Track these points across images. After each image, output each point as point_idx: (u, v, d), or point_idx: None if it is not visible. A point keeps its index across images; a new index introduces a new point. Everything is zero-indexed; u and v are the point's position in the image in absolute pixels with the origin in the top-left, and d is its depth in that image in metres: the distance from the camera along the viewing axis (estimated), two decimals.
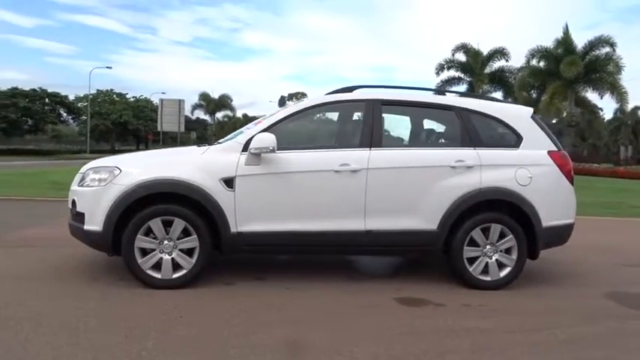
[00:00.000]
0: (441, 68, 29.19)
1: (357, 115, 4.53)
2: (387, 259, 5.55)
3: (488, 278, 4.53)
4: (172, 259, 4.15)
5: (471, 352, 3.15)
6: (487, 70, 28.61)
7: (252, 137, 4.24)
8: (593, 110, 34.31)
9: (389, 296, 4.20)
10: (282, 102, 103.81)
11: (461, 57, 28.80)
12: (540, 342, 3.38)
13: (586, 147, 50.85)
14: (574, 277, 5.19)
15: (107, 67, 64.34)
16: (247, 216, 4.20)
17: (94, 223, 4.09)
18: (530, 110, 4.87)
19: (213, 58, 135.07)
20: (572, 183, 4.79)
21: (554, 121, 35.00)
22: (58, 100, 49.44)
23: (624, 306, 4.25)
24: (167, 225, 4.13)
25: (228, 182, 4.17)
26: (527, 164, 4.58)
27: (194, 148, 4.57)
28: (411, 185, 4.40)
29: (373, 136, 4.43)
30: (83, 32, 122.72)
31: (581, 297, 4.51)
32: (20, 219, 7.53)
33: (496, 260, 4.54)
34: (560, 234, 4.74)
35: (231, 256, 4.78)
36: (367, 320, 3.66)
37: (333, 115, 4.81)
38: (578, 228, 4.90)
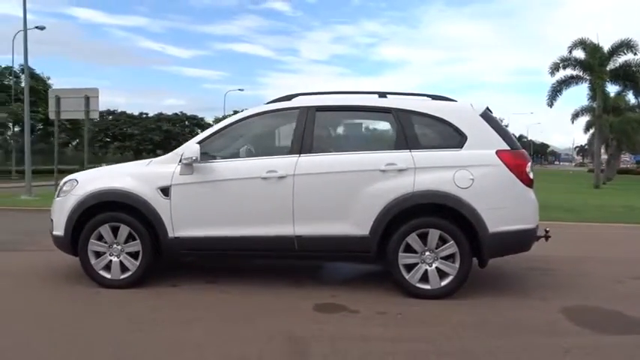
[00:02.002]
0: (555, 67, 26.67)
1: (291, 123, 4.60)
2: (357, 267, 5.45)
3: (427, 287, 4.29)
4: (120, 261, 4.58)
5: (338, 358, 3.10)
6: (611, 65, 25.47)
7: None
8: None
9: (313, 302, 4.18)
10: None
11: (579, 54, 26.11)
12: (418, 351, 3.19)
13: None
14: (543, 289, 4.67)
15: (239, 90, 69.55)
16: (182, 222, 4.49)
17: (59, 229, 4.68)
18: (481, 108, 4.53)
19: (349, 74, 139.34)
20: (529, 184, 4.36)
21: None
22: (195, 122, 55.04)
23: (571, 322, 3.76)
24: (115, 230, 4.58)
25: (165, 191, 4.51)
26: (469, 165, 4.27)
27: (143, 161, 4.98)
28: (340, 190, 4.35)
29: (304, 142, 4.48)
30: (233, 59, 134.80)
31: (530, 309, 4.07)
32: None
33: (436, 268, 4.29)
34: (515, 240, 4.33)
35: (178, 259, 5.14)
36: (264, 323, 3.70)
37: (273, 124, 4.91)
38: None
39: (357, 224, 4.32)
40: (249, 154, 4.65)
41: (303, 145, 4.47)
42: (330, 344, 3.29)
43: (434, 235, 4.26)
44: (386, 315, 3.90)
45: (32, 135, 36.92)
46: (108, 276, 4.58)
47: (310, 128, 4.51)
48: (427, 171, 4.29)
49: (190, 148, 4.47)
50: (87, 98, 15.95)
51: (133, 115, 53.26)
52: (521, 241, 4.37)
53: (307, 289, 4.57)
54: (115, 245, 4.58)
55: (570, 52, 26.58)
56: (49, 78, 38.51)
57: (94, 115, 17.16)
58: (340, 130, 4.90)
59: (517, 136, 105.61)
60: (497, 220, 4.22)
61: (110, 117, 56.67)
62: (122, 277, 4.57)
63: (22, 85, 35.62)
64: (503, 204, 4.26)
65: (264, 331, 3.53)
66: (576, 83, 27.29)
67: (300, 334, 3.48)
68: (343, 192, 4.34)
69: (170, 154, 4.71)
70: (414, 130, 4.45)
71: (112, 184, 4.62)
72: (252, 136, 4.87)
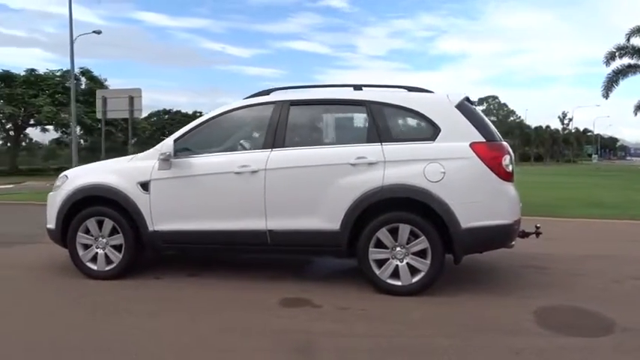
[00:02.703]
0: (611, 56, 25.15)
1: (266, 118, 4.60)
2: (342, 262, 5.39)
3: (398, 283, 4.19)
4: (105, 253, 4.76)
5: (283, 351, 3.11)
6: None
7: None
8: None
9: (282, 296, 4.19)
10: None
11: (638, 41, 24.47)
12: (363, 348, 3.14)
13: None
14: (530, 287, 4.45)
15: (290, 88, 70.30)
16: (161, 216, 4.61)
17: (51, 222, 4.92)
18: (458, 99, 4.36)
19: (407, 69, 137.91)
20: (507, 178, 4.17)
21: None
22: None
23: (538, 322, 3.56)
24: (101, 224, 4.76)
25: (144, 186, 4.64)
26: (441, 158, 4.14)
27: (127, 157, 5.13)
28: (311, 184, 4.32)
29: (276, 136, 4.48)
30: (292, 56, 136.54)
31: (502, 308, 3.90)
32: None
33: (407, 264, 4.19)
34: (489, 236, 4.15)
35: (161, 252, 5.27)
36: (227, 316, 3.74)
37: (249, 119, 4.93)
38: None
39: (328, 219, 4.28)
40: (225, 150, 4.70)
41: (276, 139, 4.47)
42: (278, 338, 3.29)
43: (404, 230, 4.16)
44: (347, 310, 3.85)
45: (92, 134, 39.10)
46: (94, 267, 4.77)
47: (284, 123, 4.51)
48: (397, 164, 4.19)
49: (166, 144, 4.58)
50: (131, 98, 16.57)
51: (188, 113, 55.24)
52: (496, 237, 4.18)
53: (282, 283, 4.57)
54: (100, 238, 4.76)
55: (628, 39, 25.09)
56: (105, 80, 40.26)
57: (137, 115, 17.88)
58: (314, 124, 4.85)
59: (582, 130, 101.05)
60: (470, 215, 4.07)
61: (166, 116, 59.02)
62: (107, 268, 4.75)
63: (83, 87, 37.64)
64: (476, 198, 4.10)
65: (221, 324, 3.58)
66: (634, 73, 25.70)
67: (257, 327, 3.49)
68: (314, 186, 4.31)
69: (151, 150, 4.83)
70: (386, 122, 4.35)
71: (97, 179, 4.80)
72: (230, 131, 4.92)
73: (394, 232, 4.19)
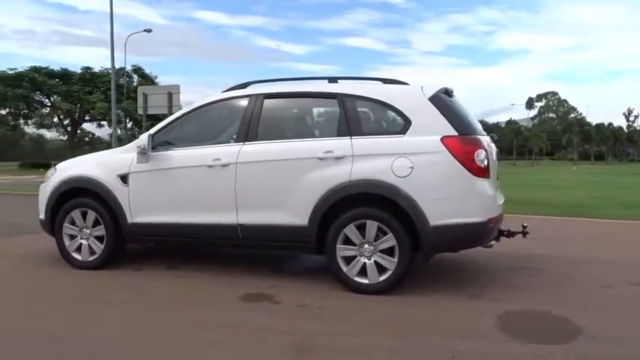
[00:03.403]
0: None
1: (241, 111, 4.56)
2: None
3: (366, 281, 4.07)
4: (89, 244, 4.88)
5: (215, 344, 3.10)
6: None
7: None
8: None
9: (246, 290, 4.14)
10: (529, 104, 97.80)
11: None
12: (306, 345, 3.06)
13: None
14: (507, 290, 4.19)
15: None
16: (138, 208, 4.67)
17: (41, 213, 5.09)
18: (432, 90, 4.16)
19: (465, 65, 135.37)
20: (481, 174, 3.95)
21: None
22: None
23: (496, 326, 3.35)
24: (85, 215, 4.87)
25: (124, 178, 4.71)
26: (410, 152, 3.97)
27: (110, 150, 5.21)
28: (280, 178, 4.26)
29: (249, 130, 4.44)
30: (346, 53, 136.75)
31: (465, 310, 3.71)
32: None
33: (375, 262, 4.05)
34: (459, 235, 3.95)
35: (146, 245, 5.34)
36: (182, 310, 3.74)
37: (225, 113, 4.89)
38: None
39: (297, 214, 4.20)
40: (200, 143, 4.70)
41: (248, 133, 4.44)
42: (224, 333, 3.26)
43: (372, 226, 4.02)
44: (304, 308, 3.76)
45: (141, 128, 40.54)
46: (79, 258, 4.90)
47: (257, 116, 4.46)
48: (365, 159, 4.06)
49: (142, 138, 4.63)
50: (170, 94, 17.03)
51: None
52: (467, 235, 3.97)
53: (254, 278, 4.54)
54: (84, 229, 4.88)
55: None
56: (156, 77, 41.62)
57: (175, 110, 18.32)
58: (287, 117, 4.76)
59: None
60: (439, 213, 3.89)
61: None
62: (90, 259, 4.86)
63: (135, 83, 38.99)
64: (446, 195, 3.91)
65: (174, 317, 3.58)
66: None
67: (207, 322, 3.47)
68: (283, 180, 4.25)
69: (131, 143, 4.91)
70: (357, 115, 4.22)
71: (82, 171, 4.92)
72: (207, 124, 4.92)
73: (362, 229, 4.06)
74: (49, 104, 39.64)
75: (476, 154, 3.94)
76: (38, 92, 37.90)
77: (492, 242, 4.26)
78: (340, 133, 4.22)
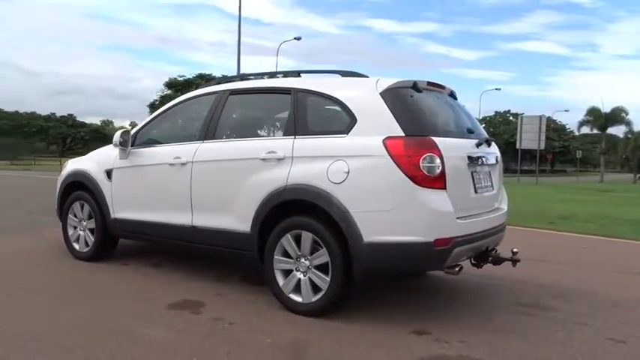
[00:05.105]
0: None
1: (207, 107, 4.34)
2: None
3: (299, 299, 3.60)
4: (85, 236, 5.08)
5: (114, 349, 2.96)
6: None
7: None
8: None
9: (183, 296, 3.92)
10: None
11: None
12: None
13: None
14: (482, 333, 3.37)
15: (496, 89, 66.40)
16: (118, 204, 4.73)
17: (56, 202, 5.44)
18: (387, 83, 3.51)
19: None
20: (427, 183, 3.23)
21: None
22: None
23: (403, 347, 2.69)
24: (83, 208, 5.09)
25: (109, 173, 4.81)
26: (348, 155, 3.40)
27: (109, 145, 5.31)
28: (226, 180, 3.97)
29: (209, 128, 4.21)
30: (521, 58, 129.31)
31: (385, 350, 3.03)
32: None
33: (309, 278, 3.56)
34: (397, 256, 3.27)
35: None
36: (115, 312, 3.62)
37: (196, 109, 4.66)
38: None
39: (240, 219, 3.87)
40: (170, 141, 4.59)
41: (208, 131, 4.22)
42: (128, 340, 3.09)
43: (307, 238, 3.54)
44: (217, 322, 3.40)
45: None
46: (77, 248, 5.13)
47: (218, 113, 4.22)
48: (304, 161, 3.58)
49: (117, 133, 4.68)
50: None
51: None
52: (406, 257, 3.27)
53: (207, 283, 4.32)
54: (82, 221, 5.10)
55: None
56: None
57: None
58: (244, 114, 4.40)
59: None
60: (374, 227, 3.27)
61: None
62: (84, 250, 5.06)
63: None
64: (383, 207, 3.27)
65: (99, 319, 3.44)
66: None
67: (119, 328, 3.28)
68: (229, 182, 3.95)
69: None
70: (305, 112, 3.75)
71: (81, 166, 5.14)
72: (180, 121, 4.80)
73: (299, 241, 3.59)
74: None
75: (422, 159, 3.22)
76: None
77: (457, 268, 3.46)
78: (286, 132, 3.80)
